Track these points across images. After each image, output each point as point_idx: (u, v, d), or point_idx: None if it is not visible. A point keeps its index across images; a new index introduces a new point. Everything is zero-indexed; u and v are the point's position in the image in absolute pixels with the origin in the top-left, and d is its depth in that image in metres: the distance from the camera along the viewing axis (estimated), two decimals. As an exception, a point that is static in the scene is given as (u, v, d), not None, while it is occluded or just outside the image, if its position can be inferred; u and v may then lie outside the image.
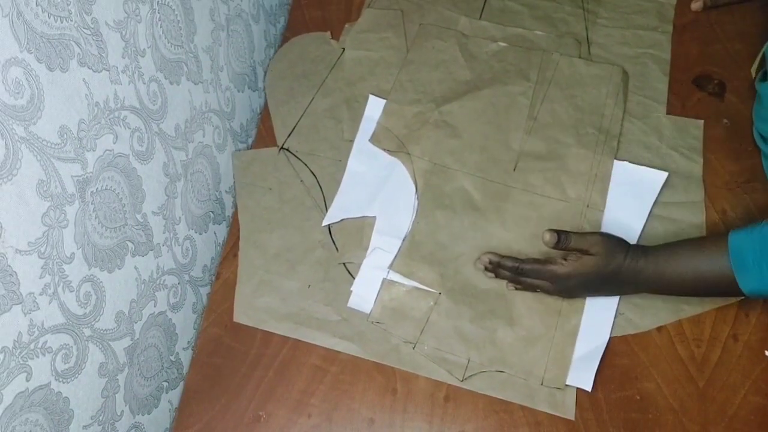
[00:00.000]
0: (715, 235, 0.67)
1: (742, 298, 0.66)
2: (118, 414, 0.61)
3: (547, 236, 0.66)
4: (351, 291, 0.74)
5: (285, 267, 0.77)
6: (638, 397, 0.68)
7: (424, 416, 0.69)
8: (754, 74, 0.77)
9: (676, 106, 0.81)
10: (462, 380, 0.70)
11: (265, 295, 0.76)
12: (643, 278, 0.66)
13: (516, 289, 0.71)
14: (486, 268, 0.72)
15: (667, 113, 0.81)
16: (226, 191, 0.82)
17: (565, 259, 0.67)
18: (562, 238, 0.66)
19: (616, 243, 0.67)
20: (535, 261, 0.69)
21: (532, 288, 0.70)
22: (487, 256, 0.71)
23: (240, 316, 0.75)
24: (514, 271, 0.70)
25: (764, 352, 0.69)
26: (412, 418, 0.69)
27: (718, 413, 0.67)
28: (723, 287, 0.63)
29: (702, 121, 0.80)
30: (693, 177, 0.76)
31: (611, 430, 0.67)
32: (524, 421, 0.68)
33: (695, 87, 0.82)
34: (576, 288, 0.69)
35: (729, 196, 0.75)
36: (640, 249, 0.67)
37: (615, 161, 0.77)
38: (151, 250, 0.64)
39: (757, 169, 0.76)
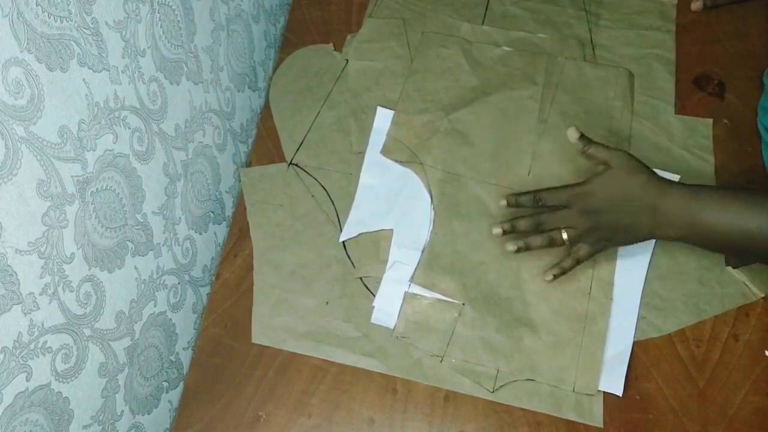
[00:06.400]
0: (762, 192, 0.62)
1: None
2: (118, 414, 0.61)
3: (573, 130, 0.66)
4: (373, 306, 0.73)
5: (301, 284, 0.76)
6: (638, 397, 0.68)
7: (424, 416, 0.69)
8: None
9: (677, 106, 0.81)
10: (493, 391, 0.69)
11: (282, 314, 0.75)
12: (673, 205, 0.62)
13: (534, 247, 0.67)
14: (504, 231, 0.68)
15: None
16: (226, 191, 0.82)
17: (585, 181, 0.65)
18: (585, 136, 0.66)
19: (639, 162, 0.64)
20: (551, 187, 0.67)
21: (549, 241, 0.66)
22: (504, 200, 0.69)
23: (258, 337, 0.74)
24: (532, 201, 0.67)
25: (764, 352, 0.69)
26: (412, 418, 0.69)
27: (718, 413, 0.67)
28: (758, 249, 0.60)
29: (711, 119, 0.79)
30: (706, 176, 0.76)
31: (611, 430, 0.67)
32: (524, 421, 0.68)
33: (695, 87, 0.83)
34: (601, 211, 0.64)
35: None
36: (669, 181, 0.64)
37: None
38: (151, 250, 0.64)
39: (757, 169, 0.76)
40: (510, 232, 0.69)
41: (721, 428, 0.66)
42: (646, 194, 0.63)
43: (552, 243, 0.67)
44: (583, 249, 0.67)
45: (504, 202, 0.70)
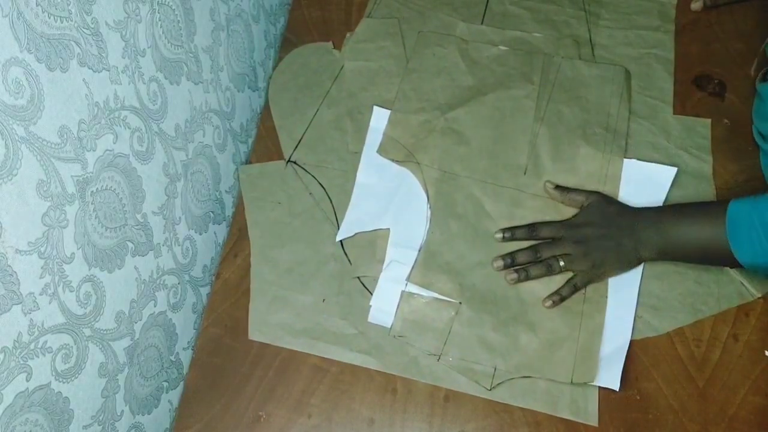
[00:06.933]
0: (719, 203, 0.68)
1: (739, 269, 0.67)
2: (118, 414, 0.61)
3: (548, 183, 0.75)
4: (370, 306, 0.73)
5: (298, 282, 0.76)
6: (638, 397, 0.68)
7: (424, 416, 0.69)
8: (753, 73, 0.77)
9: (677, 106, 0.81)
10: (490, 389, 0.69)
11: (279, 311, 0.75)
12: (649, 218, 0.70)
13: (533, 276, 0.71)
14: (505, 264, 0.72)
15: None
16: (226, 191, 0.82)
17: (574, 216, 0.74)
18: (560, 186, 0.75)
19: (612, 197, 0.74)
20: (545, 221, 0.74)
21: (547, 269, 0.71)
22: (500, 232, 0.74)
23: (255, 334, 0.74)
24: (529, 233, 0.73)
25: (764, 352, 0.69)
26: (412, 418, 0.69)
27: (718, 413, 0.67)
28: (724, 258, 0.65)
29: (709, 120, 0.79)
30: (703, 176, 0.77)
31: (611, 430, 0.67)
32: (524, 421, 0.68)
33: (695, 87, 0.83)
34: (591, 238, 0.70)
35: (729, 196, 0.75)
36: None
37: (624, 160, 0.77)
38: (151, 250, 0.64)
39: (757, 169, 0.76)
40: (510, 265, 0.73)
41: (721, 428, 0.66)
42: (624, 218, 0.71)
43: (550, 271, 0.71)
44: (578, 276, 0.71)
45: (499, 236, 0.74)
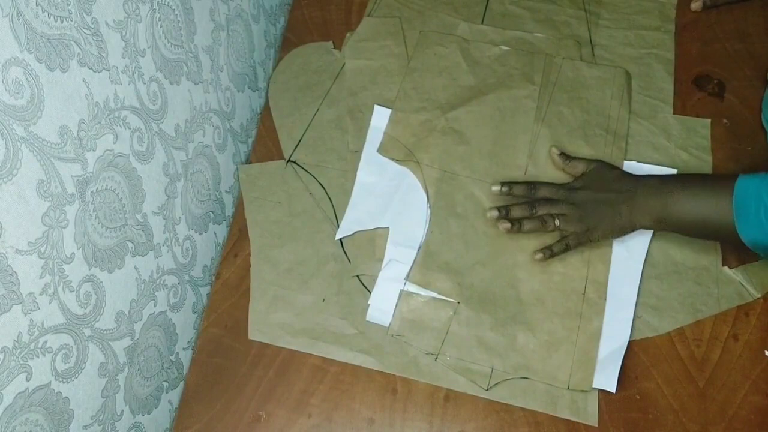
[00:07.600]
0: (725, 176, 0.67)
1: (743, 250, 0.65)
2: (118, 414, 0.61)
3: (554, 148, 0.76)
4: (369, 304, 0.73)
5: (298, 281, 0.76)
6: (638, 397, 0.68)
7: (424, 416, 0.69)
8: None
9: (677, 106, 0.81)
10: (487, 389, 0.69)
11: (279, 310, 0.75)
12: (652, 186, 0.69)
13: (526, 230, 0.72)
14: (500, 215, 0.73)
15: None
16: (226, 191, 0.82)
17: (573, 180, 0.74)
18: (564, 153, 0.76)
19: (613, 164, 0.75)
20: (544, 182, 0.75)
21: (541, 225, 0.71)
22: (498, 184, 0.74)
23: (255, 334, 0.74)
24: (527, 191, 0.73)
25: (764, 352, 0.69)
26: (413, 418, 0.69)
27: (718, 413, 0.67)
28: (724, 233, 0.64)
29: (709, 120, 0.80)
30: None
31: (611, 430, 0.67)
32: (524, 421, 0.68)
33: (695, 87, 0.83)
34: (588, 202, 0.71)
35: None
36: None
37: (624, 162, 0.77)
38: (151, 250, 0.65)
39: (757, 169, 0.76)
40: (504, 218, 0.73)
41: (721, 428, 0.66)
42: (623, 184, 0.71)
43: (544, 227, 0.72)
44: (572, 237, 0.71)
45: (497, 188, 0.74)
